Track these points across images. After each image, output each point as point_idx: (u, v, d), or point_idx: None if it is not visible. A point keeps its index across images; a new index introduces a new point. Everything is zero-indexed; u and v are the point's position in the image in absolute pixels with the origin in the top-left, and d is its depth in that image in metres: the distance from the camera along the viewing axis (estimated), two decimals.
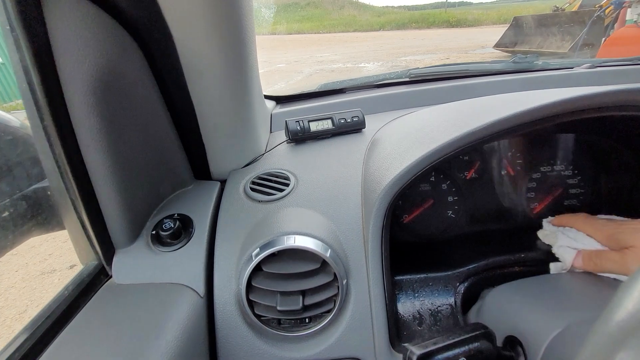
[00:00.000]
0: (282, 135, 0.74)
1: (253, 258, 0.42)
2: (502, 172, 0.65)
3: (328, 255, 0.43)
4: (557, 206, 0.65)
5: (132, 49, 0.37)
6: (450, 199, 0.64)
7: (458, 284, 0.52)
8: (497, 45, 9.02)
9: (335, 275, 0.44)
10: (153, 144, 0.45)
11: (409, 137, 0.53)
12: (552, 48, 7.31)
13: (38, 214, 0.45)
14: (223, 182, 0.59)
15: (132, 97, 0.39)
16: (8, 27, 0.26)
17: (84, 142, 0.36)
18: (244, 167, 0.61)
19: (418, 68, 1.11)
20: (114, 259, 0.45)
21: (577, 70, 1.05)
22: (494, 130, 0.41)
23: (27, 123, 0.47)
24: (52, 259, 2.48)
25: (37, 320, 0.37)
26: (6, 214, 0.42)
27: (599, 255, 0.46)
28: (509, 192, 0.65)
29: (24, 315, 2.06)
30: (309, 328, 0.44)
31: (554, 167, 0.65)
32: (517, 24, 8.61)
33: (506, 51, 8.90)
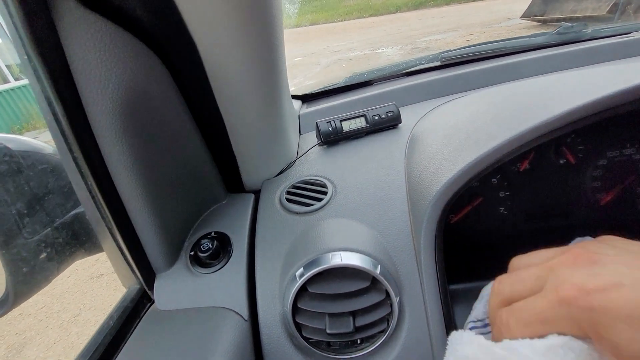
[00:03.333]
0: (312, 138, 0.70)
1: (297, 279, 0.40)
2: (561, 161, 0.58)
3: (378, 272, 0.39)
4: (629, 195, 0.57)
5: (157, 65, 0.35)
6: (501, 194, 0.58)
7: None
8: (525, 16, 8.45)
9: (387, 292, 0.40)
10: (184, 162, 0.43)
11: (457, 133, 0.47)
12: (588, 12, 6.74)
13: (80, 240, 0.44)
14: (257, 193, 0.56)
15: (160, 116, 0.36)
16: (26, 57, 0.24)
17: (114, 169, 0.34)
18: (276, 175, 0.58)
19: (450, 50, 1.03)
20: (155, 284, 0.43)
21: (635, 35, 0.93)
22: (572, 119, 0.35)
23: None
24: (99, 264, 2.63)
25: (87, 353, 0.36)
26: (49, 243, 0.41)
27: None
28: (570, 184, 0.58)
29: (78, 318, 2.21)
30: (362, 349, 0.41)
31: (623, 150, 0.57)
32: None
33: (535, 21, 8.33)
